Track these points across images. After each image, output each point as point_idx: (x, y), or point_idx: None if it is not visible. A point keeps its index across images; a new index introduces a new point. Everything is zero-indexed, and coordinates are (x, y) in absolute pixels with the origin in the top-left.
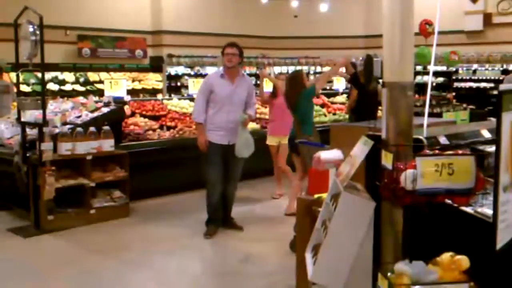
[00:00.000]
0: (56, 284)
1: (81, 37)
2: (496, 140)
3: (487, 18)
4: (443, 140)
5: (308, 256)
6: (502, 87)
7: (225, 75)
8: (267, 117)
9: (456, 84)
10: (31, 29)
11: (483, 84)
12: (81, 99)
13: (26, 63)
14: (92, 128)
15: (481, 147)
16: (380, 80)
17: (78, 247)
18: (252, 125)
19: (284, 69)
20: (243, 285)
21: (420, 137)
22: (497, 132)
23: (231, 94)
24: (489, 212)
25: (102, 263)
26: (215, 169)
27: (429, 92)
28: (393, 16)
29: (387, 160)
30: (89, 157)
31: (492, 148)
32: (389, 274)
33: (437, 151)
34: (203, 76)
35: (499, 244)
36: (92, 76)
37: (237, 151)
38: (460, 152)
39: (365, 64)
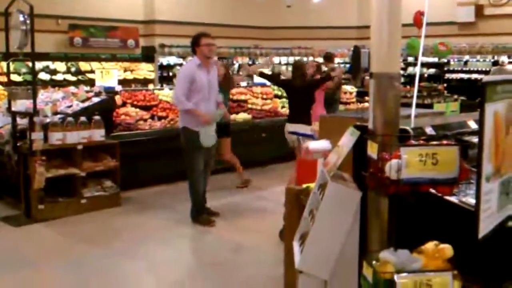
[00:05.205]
0: (47, 273)
1: (72, 27)
2: (479, 130)
3: (479, 9)
4: (429, 130)
5: (296, 244)
6: (486, 78)
7: (202, 65)
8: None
9: (447, 75)
10: (21, 18)
11: (474, 76)
12: (72, 88)
13: (16, 53)
14: (82, 118)
15: (467, 138)
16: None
17: (68, 237)
18: (244, 116)
19: (276, 59)
20: (234, 275)
21: (406, 127)
22: (480, 122)
23: (209, 83)
24: (473, 201)
25: (93, 253)
26: (201, 158)
27: (417, 82)
28: (381, 6)
29: (372, 150)
30: (79, 147)
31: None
32: (374, 262)
33: (422, 141)
34: None
35: (482, 233)
36: (84, 65)
37: (205, 141)
38: (444, 142)
39: (353, 55)
